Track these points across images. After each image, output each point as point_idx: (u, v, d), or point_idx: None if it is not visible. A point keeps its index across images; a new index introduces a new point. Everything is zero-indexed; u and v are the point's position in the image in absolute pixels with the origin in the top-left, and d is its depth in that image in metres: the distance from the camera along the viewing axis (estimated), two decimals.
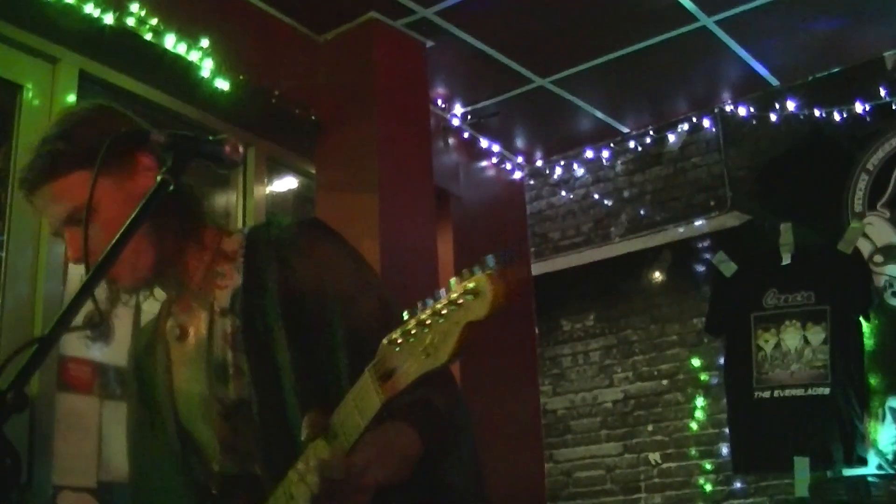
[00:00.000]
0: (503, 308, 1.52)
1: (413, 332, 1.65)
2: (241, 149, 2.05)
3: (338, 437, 1.81)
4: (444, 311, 1.59)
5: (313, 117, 5.87)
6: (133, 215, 1.90)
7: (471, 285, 1.54)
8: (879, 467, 6.10)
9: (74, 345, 4.58)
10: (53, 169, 2.13)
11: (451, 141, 7.12)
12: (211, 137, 1.99)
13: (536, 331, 7.75)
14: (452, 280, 1.58)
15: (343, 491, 1.79)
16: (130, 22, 4.87)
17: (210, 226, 2.30)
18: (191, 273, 2.26)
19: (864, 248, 6.42)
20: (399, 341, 1.68)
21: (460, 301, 1.55)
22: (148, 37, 4.95)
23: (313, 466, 1.80)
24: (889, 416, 6.12)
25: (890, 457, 6.09)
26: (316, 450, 1.83)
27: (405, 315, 1.68)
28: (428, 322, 1.62)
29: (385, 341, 1.71)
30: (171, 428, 2.27)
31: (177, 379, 2.28)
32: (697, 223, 7.18)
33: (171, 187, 1.92)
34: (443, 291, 1.60)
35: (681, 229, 7.25)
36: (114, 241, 1.83)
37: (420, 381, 1.72)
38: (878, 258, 6.40)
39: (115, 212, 2.10)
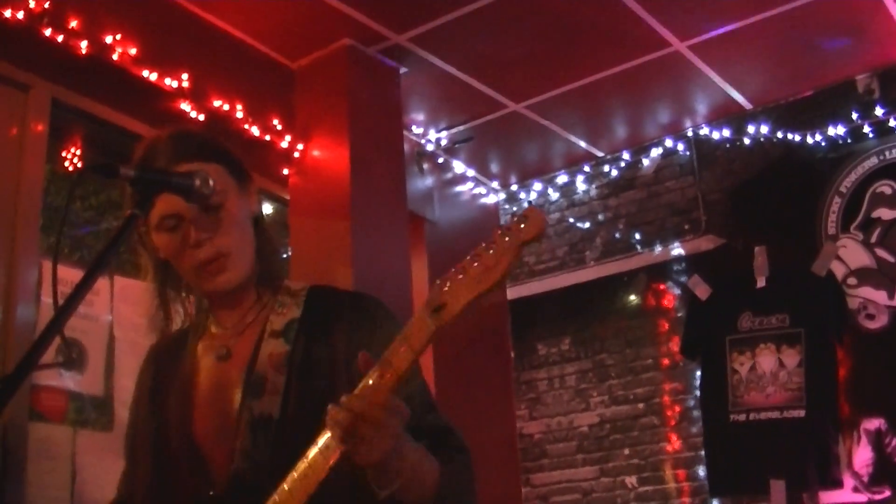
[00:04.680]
0: (544, 234, 1.83)
1: (462, 268, 1.86)
2: (210, 182, 2.11)
3: (384, 374, 1.91)
4: (495, 242, 1.83)
5: (286, 144, 5.87)
6: (104, 248, 1.94)
7: (523, 214, 1.83)
8: (855, 489, 6.11)
9: (46, 374, 4.56)
10: (189, 152, 2.24)
11: (425, 166, 7.13)
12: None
13: (512, 355, 7.76)
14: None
15: (375, 425, 1.88)
16: (104, 50, 4.88)
17: None
18: (258, 298, 2.39)
19: (838, 270, 6.45)
20: (448, 281, 1.87)
21: (511, 228, 1.82)
22: (121, 65, 4.95)
23: (357, 394, 1.90)
24: (864, 438, 6.14)
25: (865, 479, 6.11)
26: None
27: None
28: (478, 255, 1.84)
29: (436, 282, 1.89)
30: (174, 436, 2.31)
31: (201, 395, 2.34)
32: (672, 246, 7.21)
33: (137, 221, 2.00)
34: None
35: (655, 252, 7.27)
36: (86, 273, 1.88)
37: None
38: (852, 280, 6.43)
39: (235, 211, 2.29)
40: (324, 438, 1.96)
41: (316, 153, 5.92)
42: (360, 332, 2.28)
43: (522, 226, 1.81)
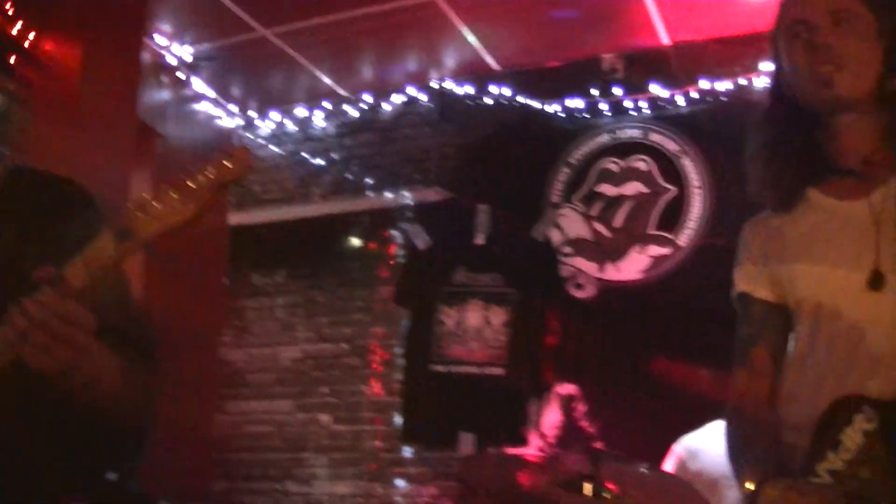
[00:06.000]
0: (248, 175, 1.80)
1: (159, 197, 1.77)
2: None
3: (58, 288, 1.81)
4: (197, 176, 1.76)
5: (17, 30, 5.60)
6: None
7: (229, 153, 1.77)
8: (540, 449, 6.30)
9: None
10: None
11: (164, 79, 6.93)
12: None
13: (226, 281, 7.65)
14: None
15: (50, 333, 1.79)
16: None
17: None
18: None
19: (556, 238, 6.63)
20: (142, 207, 1.78)
21: (215, 164, 1.76)
22: None
23: (35, 299, 1.80)
24: (556, 402, 6.34)
25: (551, 440, 6.30)
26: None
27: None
28: (178, 186, 1.77)
29: (130, 205, 1.79)
30: None
31: None
32: (400, 194, 7.24)
33: None
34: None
35: (383, 198, 7.29)
36: None
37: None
38: (568, 249, 6.62)
39: None
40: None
41: (48, 45, 5.66)
42: (55, 223, 2.13)
43: (228, 164, 1.76)
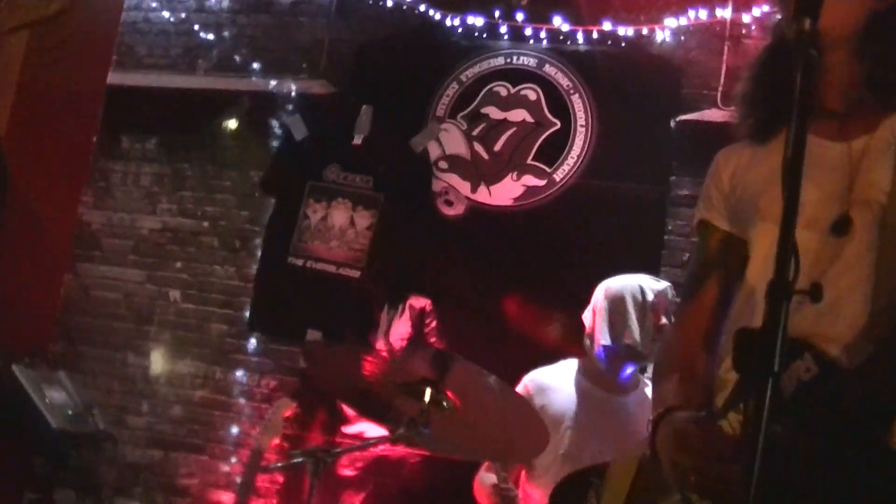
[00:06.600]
0: None
1: None
2: None
3: None
4: None
5: None
6: None
7: None
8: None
9: None
10: None
11: None
12: None
13: (94, 139, 7.45)
14: None
15: None
16: None
17: None
18: None
19: (434, 151, 6.61)
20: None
21: None
22: None
23: None
24: (407, 313, 6.34)
25: (396, 350, 6.31)
26: None
27: None
28: None
29: None
30: None
31: None
32: (285, 81, 7.11)
33: None
34: None
35: (268, 82, 7.15)
36: None
37: None
38: (443, 164, 6.60)
39: None
40: None
41: None
42: None
43: None
